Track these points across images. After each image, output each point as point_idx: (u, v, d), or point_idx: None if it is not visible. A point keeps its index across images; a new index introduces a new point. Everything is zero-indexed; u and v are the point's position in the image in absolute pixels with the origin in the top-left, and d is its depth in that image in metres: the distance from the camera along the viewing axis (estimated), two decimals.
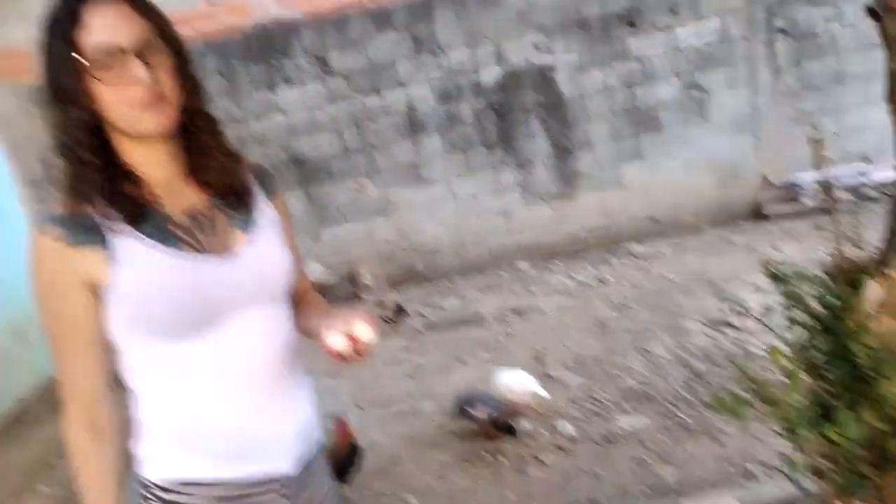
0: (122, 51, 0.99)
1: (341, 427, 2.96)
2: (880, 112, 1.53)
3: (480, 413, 3.15)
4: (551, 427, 3.25)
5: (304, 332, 1.27)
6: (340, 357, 1.14)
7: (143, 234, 1.04)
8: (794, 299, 1.77)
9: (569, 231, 5.85)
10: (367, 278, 5.53)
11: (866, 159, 5.51)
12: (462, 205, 5.76)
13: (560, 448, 3.08)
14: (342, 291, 5.54)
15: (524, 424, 3.27)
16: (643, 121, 5.75)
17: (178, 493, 1.10)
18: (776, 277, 1.85)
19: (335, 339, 1.13)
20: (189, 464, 1.10)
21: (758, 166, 5.83)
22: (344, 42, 5.44)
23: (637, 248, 5.57)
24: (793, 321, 1.77)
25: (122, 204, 1.04)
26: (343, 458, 2.91)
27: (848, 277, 1.65)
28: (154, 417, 1.11)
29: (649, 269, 5.07)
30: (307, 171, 5.58)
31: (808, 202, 5.52)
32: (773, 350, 1.70)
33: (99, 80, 0.99)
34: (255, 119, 5.45)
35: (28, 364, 4.70)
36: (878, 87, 1.72)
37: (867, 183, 5.24)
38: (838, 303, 1.65)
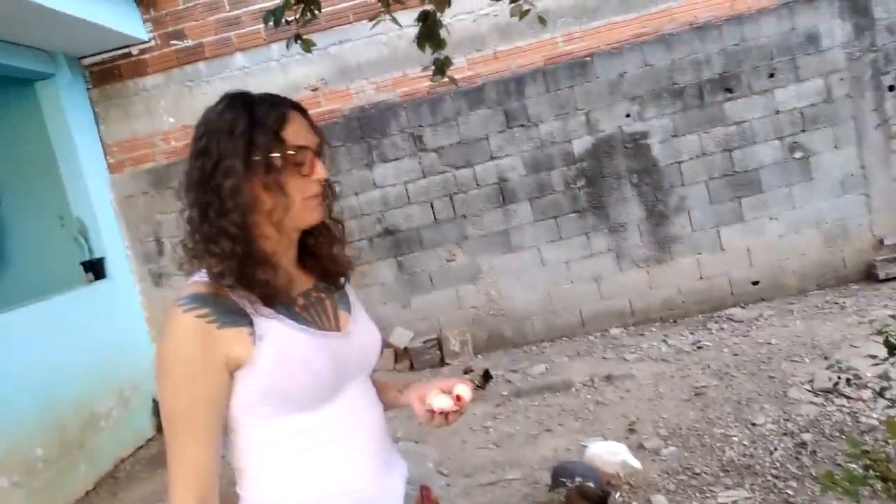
0: (312, 151, 1.16)
1: (426, 494, 2.92)
2: None
3: (577, 484, 3.03)
4: (645, 500, 3.07)
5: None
6: (444, 416, 1.26)
7: (279, 314, 1.12)
8: None
9: (664, 296, 5.67)
10: (454, 344, 5.55)
11: None
12: (552, 270, 5.73)
13: None
14: (430, 357, 5.58)
15: (616, 497, 3.11)
16: (743, 183, 5.58)
17: None
18: (894, 347, 1.74)
19: (441, 399, 1.25)
20: None
21: (869, 226, 5.49)
22: (438, 120, 5.69)
23: (737, 312, 5.29)
24: None
25: (264, 287, 1.11)
26: None
27: None
28: (273, 492, 1.12)
29: (750, 335, 4.79)
30: (399, 241, 5.75)
31: None
32: (891, 423, 1.60)
33: (300, 174, 1.14)
34: (353, 194, 5.72)
35: (128, 426, 5.03)
36: None
37: None
38: None
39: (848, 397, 3.47)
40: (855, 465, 1.76)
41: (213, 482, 1.07)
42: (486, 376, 4.65)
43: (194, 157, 1.12)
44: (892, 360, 1.96)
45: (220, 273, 1.09)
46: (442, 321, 5.76)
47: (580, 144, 5.65)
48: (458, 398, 1.27)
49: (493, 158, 5.70)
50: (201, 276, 1.10)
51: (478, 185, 5.73)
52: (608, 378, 4.56)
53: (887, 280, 5.21)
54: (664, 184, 5.63)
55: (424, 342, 5.60)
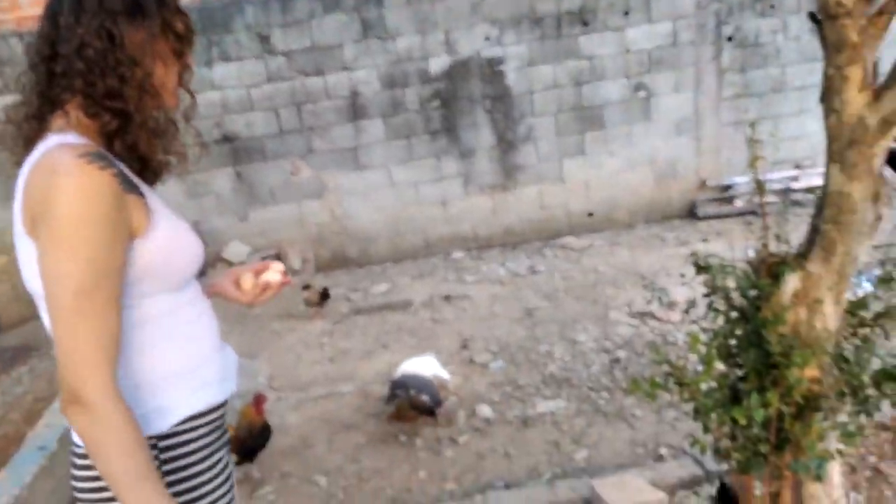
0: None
1: (260, 403, 2.86)
2: (814, 121, 1.58)
3: (409, 396, 3.08)
4: (470, 410, 3.19)
5: None
6: (278, 286, 1.33)
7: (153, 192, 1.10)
8: (716, 289, 1.79)
9: (506, 222, 5.83)
10: (295, 261, 5.38)
11: (798, 166, 5.65)
12: (401, 192, 5.67)
13: (476, 430, 3.03)
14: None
15: (445, 407, 3.19)
16: (588, 118, 5.77)
17: (183, 433, 1.10)
18: (701, 268, 1.87)
19: (272, 273, 1.32)
20: (194, 397, 1.12)
21: (695, 168, 5.91)
22: (289, 21, 5.31)
23: (572, 241, 5.57)
24: (714, 310, 1.79)
25: (147, 160, 1.10)
26: (253, 437, 2.80)
27: (769, 270, 1.67)
28: (163, 367, 1.09)
29: (581, 262, 5.08)
30: (238, 150, 5.41)
31: (740, 204, 5.63)
32: (692, 337, 1.73)
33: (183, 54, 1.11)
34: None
35: None
36: (815, 98, 1.75)
37: (797, 188, 5.37)
38: (758, 293, 1.69)
39: (659, 319, 3.78)
40: (658, 376, 1.90)
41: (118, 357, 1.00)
42: (325, 294, 4.56)
43: (86, 8, 1.01)
44: (699, 277, 2.11)
45: (115, 131, 1.02)
46: (283, 237, 5.55)
47: (437, 64, 5.53)
48: (284, 272, 1.34)
49: (346, 69, 5.44)
50: (73, 139, 1.00)
51: (328, 96, 5.47)
52: (447, 298, 4.65)
53: (705, 218, 5.68)
54: (515, 112, 5.69)
55: (263, 258, 5.37)
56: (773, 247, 1.71)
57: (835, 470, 1.74)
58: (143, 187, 1.07)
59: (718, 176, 5.86)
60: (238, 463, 2.72)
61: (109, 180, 0.96)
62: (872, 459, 2.41)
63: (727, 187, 5.81)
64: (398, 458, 2.91)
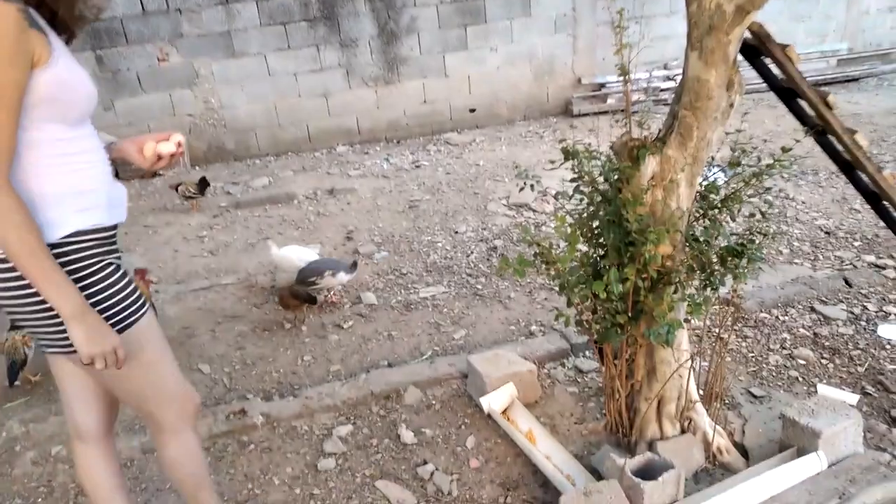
0: None
1: (143, 275, 2.81)
2: (683, 22, 1.64)
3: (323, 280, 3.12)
4: (356, 297, 3.27)
5: None
6: (167, 159, 1.48)
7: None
8: (582, 174, 1.89)
9: (390, 116, 5.79)
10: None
11: (666, 66, 5.93)
12: (279, 82, 5.45)
13: (361, 315, 3.12)
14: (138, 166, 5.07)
15: (331, 295, 3.26)
16: (470, 11, 5.71)
17: (73, 244, 1.25)
18: (569, 154, 1.96)
19: (166, 145, 1.44)
20: (81, 216, 1.27)
21: (571, 65, 6.07)
22: None
23: (454, 136, 5.66)
24: (579, 192, 1.89)
25: (52, 11, 1.22)
26: None
27: (630, 154, 1.74)
28: (54, 186, 1.23)
29: (463, 157, 5.19)
30: (98, 32, 4.94)
31: (612, 102, 5.88)
32: (559, 218, 1.81)
33: None
34: None
35: None
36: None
37: (664, 87, 5.65)
38: (619, 176, 1.77)
39: (534, 210, 3.98)
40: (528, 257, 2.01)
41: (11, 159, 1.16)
42: (203, 183, 4.40)
43: None
44: (570, 175, 2.24)
45: None
46: (153, 128, 5.23)
47: None
48: (179, 144, 1.48)
49: None
50: None
51: None
52: (331, 191, 4.64)
53: (580, 115, 5.90)
54: (397, 1, 5.54)
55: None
56: (637, 134, 1.80)
57: (683, 337, 1.90)
58: (49, 30, 1.19)
59: (592, 74, 6.06)
60: None
61: (14, 12, 1.09)
62: (716, 330, 2.72)
63: (601, 86, 6.03)
64: (284, 344, 2.96)
